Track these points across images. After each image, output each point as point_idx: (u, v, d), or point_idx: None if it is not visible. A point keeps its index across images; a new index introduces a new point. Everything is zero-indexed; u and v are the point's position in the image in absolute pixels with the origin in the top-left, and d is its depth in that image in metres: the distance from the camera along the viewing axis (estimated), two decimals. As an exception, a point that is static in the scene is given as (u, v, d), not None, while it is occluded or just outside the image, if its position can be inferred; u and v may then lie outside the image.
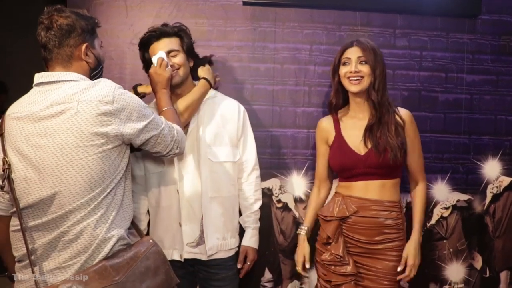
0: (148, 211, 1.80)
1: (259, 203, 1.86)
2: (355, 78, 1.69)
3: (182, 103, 1.67)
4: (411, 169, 1.77)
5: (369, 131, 1.70)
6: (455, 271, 2.18)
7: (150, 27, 1.74)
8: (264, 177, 2.00)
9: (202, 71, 1.81)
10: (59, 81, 1.27)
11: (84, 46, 1.32)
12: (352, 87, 1.70)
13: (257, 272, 2.07)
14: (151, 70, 1.62)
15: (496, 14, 2.17)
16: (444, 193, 2.16)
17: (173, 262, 1.66)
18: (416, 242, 1.69)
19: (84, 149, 1.21)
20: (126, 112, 1.27)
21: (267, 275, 2.12)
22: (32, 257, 1.21)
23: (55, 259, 1.22)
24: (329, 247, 1.70)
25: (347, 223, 1.70)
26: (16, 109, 1.27)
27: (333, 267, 1.68)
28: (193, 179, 1.71)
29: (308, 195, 2.05)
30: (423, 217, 1.77)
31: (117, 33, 2.07)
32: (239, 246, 1.83)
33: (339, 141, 1.76)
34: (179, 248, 1.72)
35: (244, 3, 2.08)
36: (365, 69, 1.68)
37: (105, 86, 1.26)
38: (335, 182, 1.90)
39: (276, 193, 2.10)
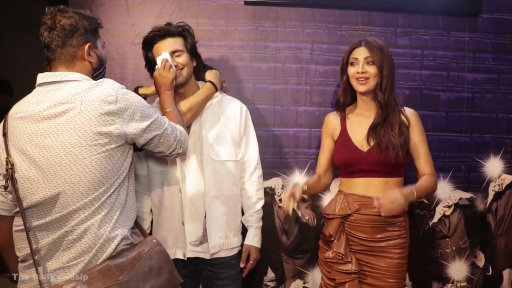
0: (151, 210, 1.81)
1: (262, 202, 1.86)
2: (362, 78, 1.70)
3: (185, 104, 1.67)
4: (419, 168, 1.75)
5: (373, 129, 1.71)
6: (457, 269, 2.18)
7: (153, 26, 1.73)
8: (266, 176, 2.00)
9: (210, 75, 1.81)
10: (62, 81, 1.27)
11: (87, 46, 1.32)
12: (359, 87, 1.72)
13: (260, 271, 2.07)
14: (155, 72, 1.63)
15: (497, 12, 2.18)
16: (446, 192, 2.16)
17: (176, 261, 1.66)
18: (401, 192, 1.55)
19: (87, 149, 1.21)
20: (129, 112, 1.27)
21: (270, 274, 2.12)
22: (36, 257, 1.21)
23: (59, 259, 1.22)
24: (331, 245, 1.70)
25: (349, 221, 1.71)
26: (19, 109, 1.27)
27: (336, 265, 1.68)
28: (195, 178, 1.71)
29: (310, 194, 2.04)
30: (422, 189, 1.64)
31: (119, 33, 2.07)
32: (242, 245, 1.83)
33: (344, 137, 1.77)
34: (182, 247, 1.72)
35: (246, 3, 2.08)
36: (371, 69, 1.69)
37: (108, 86, 1.26)
38: (337, 181, 1.90)
39: (278, 192, 2.10)
